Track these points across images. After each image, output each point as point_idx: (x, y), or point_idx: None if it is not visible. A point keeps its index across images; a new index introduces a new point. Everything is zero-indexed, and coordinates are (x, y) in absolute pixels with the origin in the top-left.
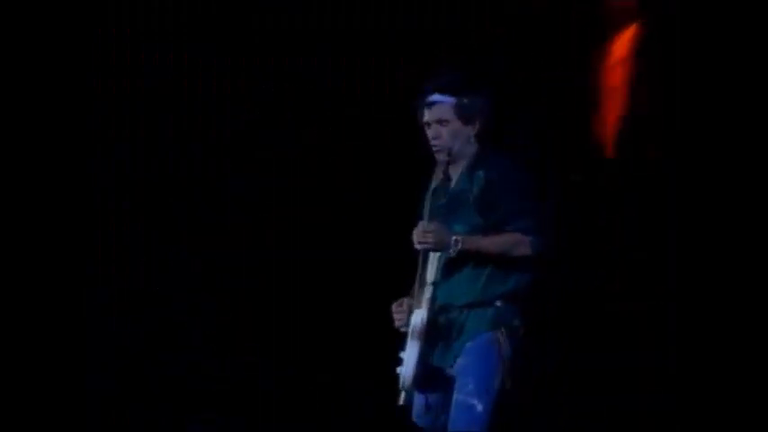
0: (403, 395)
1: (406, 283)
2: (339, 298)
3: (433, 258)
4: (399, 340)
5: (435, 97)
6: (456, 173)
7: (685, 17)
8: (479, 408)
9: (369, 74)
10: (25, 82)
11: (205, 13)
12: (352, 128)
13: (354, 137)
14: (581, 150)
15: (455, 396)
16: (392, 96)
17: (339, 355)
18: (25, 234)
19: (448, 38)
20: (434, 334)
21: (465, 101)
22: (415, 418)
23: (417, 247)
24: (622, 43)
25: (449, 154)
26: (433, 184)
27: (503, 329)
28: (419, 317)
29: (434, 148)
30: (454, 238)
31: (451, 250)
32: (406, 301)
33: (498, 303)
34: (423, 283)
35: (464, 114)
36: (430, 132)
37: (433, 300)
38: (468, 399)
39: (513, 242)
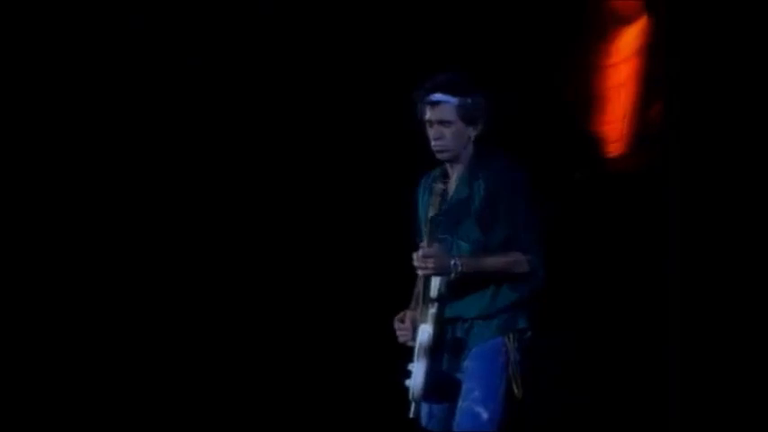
0: (413, 407)
1: (407, 287)
2: (340, 302)
3: (435, 277)
4: (401, 347)
5: (438, 96)
6: (454, 174)
7: (688, 16)
8: (485, 416)
9: (368, 74)
10: (25, 82)
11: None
12: (351, 128)
13: (352, 137)
14: (583, 149)
15: (460, 403)
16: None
17: (342, 361)
18: (27, 235)
19: (448, 38)
20: (442, 346)
21: (468, 101)
22: (425, 424)
23: (418, 272)
24: (627, 40)
25: (451, 155)
26: (429, 183)
27: (510, 335)
28: (425, 333)
29: (436, 149)
30: (453, 261)
31: (452, 274)
32: (407, 314)
33: (504, 314)
34: (426, 300)
35: (467, 115)
36: (431, 132)
37: (438, 315)
38: (474, 406)
39: (512, 262)
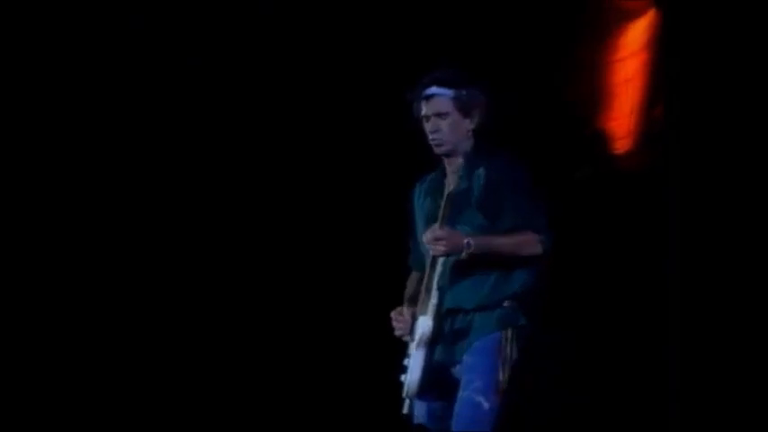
0: (407, 403)
1: (400, 285)
2: (333, 300)
3: (440, 263)
4: (396, 344)
5: (433, 90)
6: (453, 168)
7: (688, 15)
8: (486, 406)
9: (367, 74)
10: (26, 82)
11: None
12: (351, 128)
13: (352, 137)
14: (588, 146)
15: (461, 393)
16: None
17: (338, 359)
18: (27, 235)
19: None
20: (440, 338)
21: (464, 93)
22: (420, 420)
23: (432, 253)
24: (635, 35)
25: (449, 148)
26: (425, 186)
27: (510, 330)
28: (426, 324)
29: (433, 142)
30: (466, 240)
31: (464, 253)
32: (405, 309)
33: (505, 304)
34: (429, 289)
35: (463, 107)
36: (428, 126)
37: (439, 305)
38: (475, 396)
39: (523, 242)
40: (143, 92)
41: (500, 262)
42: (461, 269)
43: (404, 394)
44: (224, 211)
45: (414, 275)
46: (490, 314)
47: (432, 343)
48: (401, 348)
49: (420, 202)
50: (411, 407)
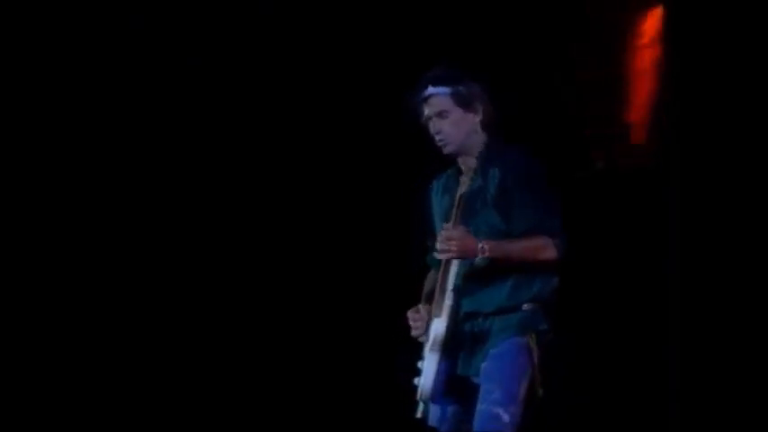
0: (421, 407)
1: (413, 286)
2: (346, 301)
3: (455, 264)
4: (412, 347)
5: (430, 90)
6: (467, 165)
7: (688, 15)
8: (506, 418)
9: (367, 74)
10: (26, 82)
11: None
12: (352, 128)
13: (352, 137)
14: (599, 141)
15: (479, 405)
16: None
17: (350, 360)
18: (27, 235)
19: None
20: (456, 343)
21: (461, 88)
22: (434, 424)
23: (440, 256)
24: (652, 22)
25: (456, 145)
26: (442, 183)
27: (531, 334)
28: (440, 326)
29: (440, 143)
30: (480, 245)
31: (478, 258)
32: (422, 308)
33: (525, 307)
34: (443, 290)
35: (463, 101)
36: (432, 128)
37: (454, 307)
38: (494, 408)
39: (539, 246)
40: (143, 92)
41: (518, 266)
42: (479, 271)
43: (417, 397)
44: (225, 211)
45: (432, 274)
46: (510, 318)
47: (445, 346)
48: (415, 349)
49: (438, 199)
50: (425, 410)
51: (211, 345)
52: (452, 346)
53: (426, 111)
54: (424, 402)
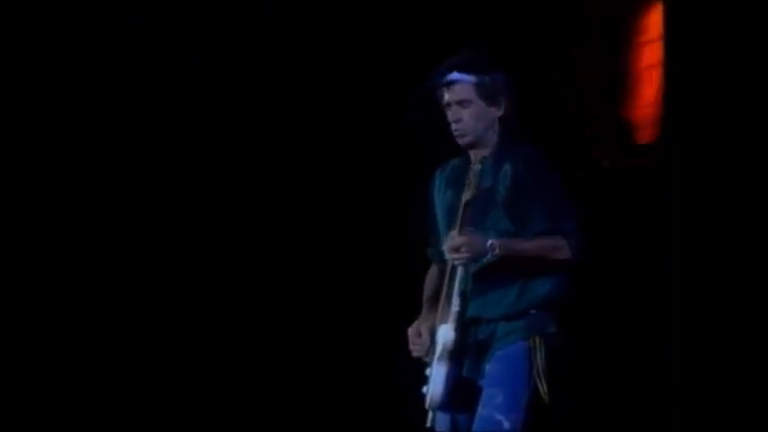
0: (431, 416)
1: (419, 284)
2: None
3: (461, 269)
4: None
5: (455, 76)
6: (477, 161)
7: (688, 15)
8: (506, 425)
9: (368, 73)
10: (26, 82)
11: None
12: (352, 128)
13: (353, 137)
14: (606, 138)
15: (480, 410)
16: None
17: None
18: (27, 235)
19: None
20: (463, 350)
21: (487, 79)
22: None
23: (453, 263)
24: (652, 22)
25: (472, 138)
26: (445, 175)
27: (537, 338)
28: (448, 333)
29: (456, 133)
30: (490, 242)
31: (488, 255)
32: (423, 326)
33: (532, 311)
34: (450, 296)
35: (487, 94)
36: (450, 115)
37: (462, 314)
38: (495, 414)
39: (551, 246)
40: (143, 92)
41: (526, 268)
42: (484, 276)
43: (426, 406)
44: (225, 211)
45: (433, 270)
46: (515, 322)
47: (454, 353)
48: (418, 367)
49: (440, 192)
50: (434, 419)
51: (211, 345)
52: (460, 353)
53: (447, 96)
54: (434, 411)
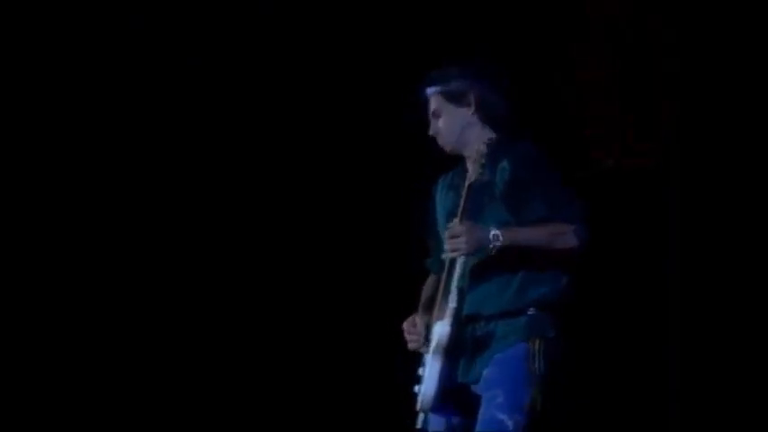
0: (421, 417)
1: (418, 286)
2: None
3: (460, 264)
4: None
5: (423, 93)
6: (471, 159)
7: (688, 14)
8: (510, 425)
9: (368, 74)
10: (26, 82)
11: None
12: (352, 128)
13: (353, 137)
14: (603, 139)
15: (482, 411)
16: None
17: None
18: (27, 235)
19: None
20: (458, 348)
21: (450, 84)
22: None
23: (450, 255)
24: (652, 21)
25: (452, 143)
26: (447, 182)
27: (537, 340)
28: (443, 329)
29: (440, 144)
30: (493, 232)
31: (491, 246)
32: (418, 319)
33: (531, 311)
34: (447, 291)
35: (453, 97)
36: (431, 129)
37: (458, 310)
38: (498, 413)
39: (556, 232)
40: (143, 92)
41: (529, 259)
42: (483, 270)
43: (418, 407)
44: (225, 211)
45: (431, 280)
46: (515, 321)
47: (449, 351)
48: (415, 355)
49: (442, 197)
50: (425, 421)
51: (211, 345)
52: (455, 351)
53: (427, 112)
54: (425, 412)
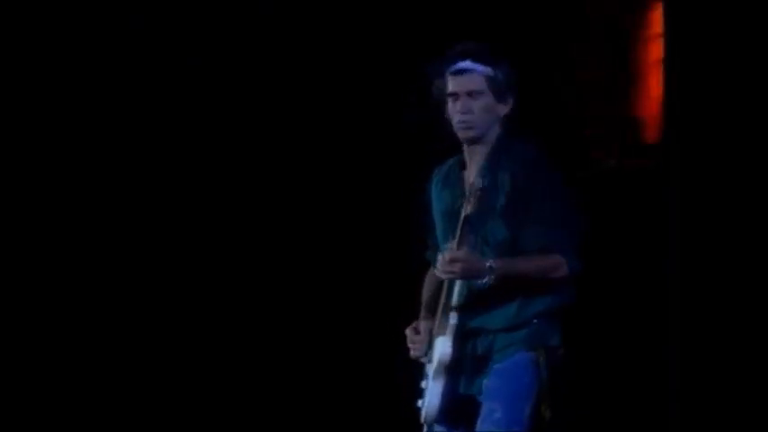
0: (425, 430)
1: (418, 284)
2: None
3: (459, 282)
4: (413, 363)
5: (467, 64)
6: (473, 160)
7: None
8: None
9: (368, 74)
10: (25, 82)
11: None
12: (352, 128)
13: (353, 137)
14: (608, 138)
15: (480, 425)
16: (391, 97)
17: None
18: (27, 235)
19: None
20: (461, 362)
21: (499, 72)
22: None
23: (443, 276)
24: (652, 21)
25: (478, 132)
26: (443, 176)
27: (539, 350)
28: (445, 346)
29: (462, 125)
30: (488, 264)
31: (486, 279)
32: (421, 325)
33: (535, 321)
34: (447, 308)
35: (498, 89)
36: (457, 106)
37: (460, 326)
38: (496, 430)
39: (550, 265)
40: (143, 92)
41: (527, 285)
42: (486, 288)
43: (421, 421)
44: (225, 211)
45: (431, 272)
46: (516, 333)
47: (451, 367)
48: (418, 368)
49: (437, 192)
50: None
51: (211, 345)
52: (457, 366)
53: (452, 86)
54: (429, 426)
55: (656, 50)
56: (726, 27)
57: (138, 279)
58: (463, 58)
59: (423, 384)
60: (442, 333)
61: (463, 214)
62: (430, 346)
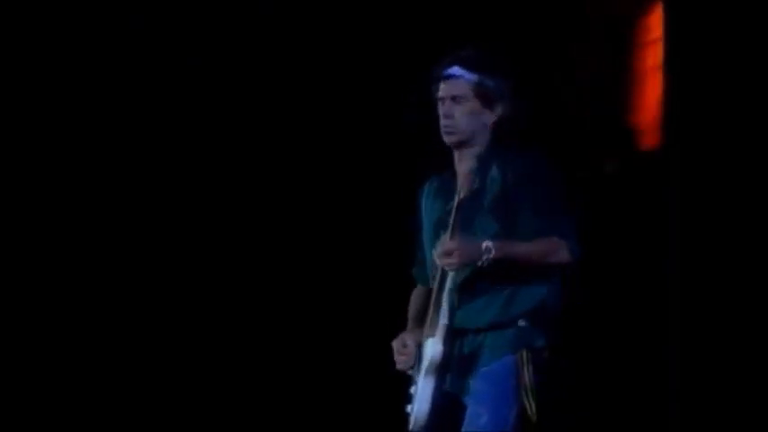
0: None
1: (403, 298)
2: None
3: (450, 278)
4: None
5: (455, 70)
6: (465, 167)
7: (688, 13)
8: None
9: (368, 74)
10: (25, 82)
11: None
12: (352, 128)
13: (352, 137)
14: (608, 142)
15: (465, 428)
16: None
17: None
18: (27, 235)
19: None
20: (449, 364)
21: (488, 80)
22: None
23: (446, 268)
24: (652, 22)
25: (460, 137)
26: (434, 187)
27: (525, 352)
28: (436, 348)
29: (444, 129)
30: (485, 245)
31: (484, 258)
32: (408, 337)
33: (521, 323)
34: (438, 308)
35: (485, 95)
36: (442, 110)
37: (450, 326)
38: None
39: (550, 248)
40: (143, 92)
41: (518, 273)
42: (472, 284)
43: (410, 427)
44: (224, 211)
45: (419, 290)
46: (502, 333)
47: (441, 368)
48: (406, 375)
49: (428, 204)
50: None
51: (210, 345)
52: (446, 368)
53: (441, 90)
54: (418, 431)
55: (655, 54)
56: (726, 28)
57: (137, 279)
58: (452, 65)
59: (412, 390)
60: (433, 334)
61: (455, 203)
62: (418, 358)
